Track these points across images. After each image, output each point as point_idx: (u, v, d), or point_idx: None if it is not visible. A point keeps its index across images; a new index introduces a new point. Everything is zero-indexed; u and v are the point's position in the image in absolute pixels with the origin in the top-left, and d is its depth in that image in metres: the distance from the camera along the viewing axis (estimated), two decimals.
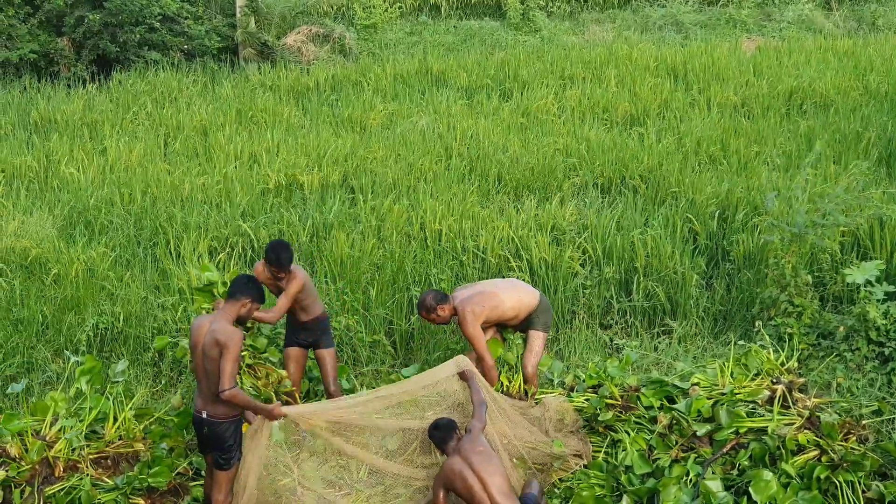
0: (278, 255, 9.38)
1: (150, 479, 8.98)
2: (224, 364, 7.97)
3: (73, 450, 9.09)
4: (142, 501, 9.00)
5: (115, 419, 9.42)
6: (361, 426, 8.91)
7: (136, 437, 9.40)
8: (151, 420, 9.72)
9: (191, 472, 9.42)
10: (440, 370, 9.19)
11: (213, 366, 8.05)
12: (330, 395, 9.82)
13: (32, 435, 9.09)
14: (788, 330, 11.31)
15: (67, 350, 11.56)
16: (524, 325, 10.18)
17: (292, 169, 16.02)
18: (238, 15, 24.34)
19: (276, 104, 20.11)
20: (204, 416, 8.21)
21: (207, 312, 9.32)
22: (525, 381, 10.02)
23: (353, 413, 8.83)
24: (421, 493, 8.89)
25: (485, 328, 9.93)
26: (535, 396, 9.78)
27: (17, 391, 10.28)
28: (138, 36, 22.35)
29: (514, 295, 10.14)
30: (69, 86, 21.74)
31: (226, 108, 19.82)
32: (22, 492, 8.82)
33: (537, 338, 10.16)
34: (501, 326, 10.32)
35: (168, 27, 23.07)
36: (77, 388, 9.71)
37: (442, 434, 8.62)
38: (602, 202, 14.94)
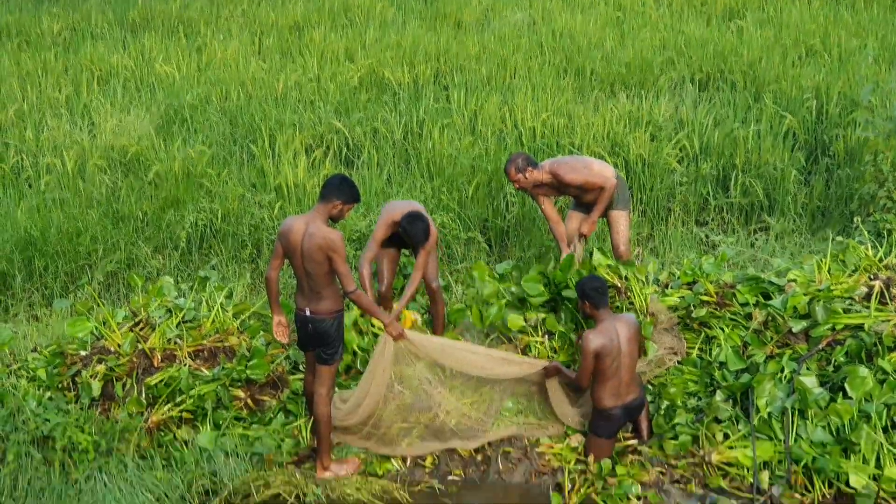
0: (416, 230, 9.35)
1: (248, 372, 9.20)
2: (339, 268, 8.05)
3: (169, 340, 9.32)
4: (241, 393, 9.23)
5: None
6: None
7: (232, 331, 9.62)
8: (248, 315, 9.92)
9: (288, 367, 9.63)
10: (529, 363, 9.17)
11: (314, 268, 8.11)
12: (430, 292, 9.88)
13: (129, 329, 9.37)
14: (887, 226, 11.14)
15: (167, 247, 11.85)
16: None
17: (385, 66, 16.01)
18: None
19: (370, 1, 20.03)
20: (307, 313, 8.30)
21: None
22: (619, 260, 10.09)
23: (461, 364, 8.93)
24: (516, 383, 8.99)
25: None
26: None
27: (63, 307, 10.70)
28: None
29: (599, 163, 10.41)
30: None
31: (319, 4, 19.81)
32: (123, 385, 9.10)
33: (621, 217, 10.26)
34: (580, 206, 10.38)
35: None
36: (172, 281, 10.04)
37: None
38: (699, 97, 14.74)
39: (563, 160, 10.44)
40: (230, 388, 9.20)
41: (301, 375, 9.28)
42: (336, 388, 8.77)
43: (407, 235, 9.44)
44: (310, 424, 8.86)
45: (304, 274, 8.18)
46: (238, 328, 9.75)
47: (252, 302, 10.54)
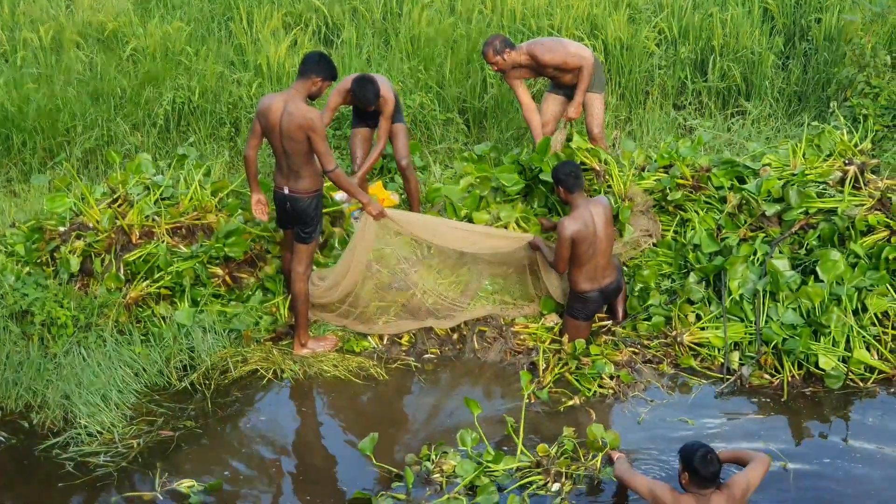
0: (365, 93, 9.40)
1: (226, 249, 9.22)
2: (318, 147, 8.02)
3: (147, 217, 9.33)
4: (219, 270, 9.27)
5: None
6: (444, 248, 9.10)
7: (210, 209, 9.63)
8: (227, 192, 9.91)
9: (267, 245, 9.66)
10: (513, 237, 9.16)
11: (293, 146, 8.07)
12: (402, 170, 9.91)
13: (107, 206, 9.38)
14: (864, 111, 11.17)
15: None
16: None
17: None
18: None
19: None
20: (286, 192, 8.30)
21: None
22: (593, 143, 10.10)
23: (443, 238, 8.95)
24: (493, 265, 9.06)
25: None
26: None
27: (41, 182, 10.75)
28: None
29: (575, 45, 10.34)
30: None
31: None
32: (102, 260, 9.12)
33: (596, 100, 10.24)
34: (557, 88, 10.37)
35: None
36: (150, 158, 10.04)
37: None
38: None
39: (540, 41, 10.41)
40: (208, 266, 9.23)
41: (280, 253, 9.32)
42: (314, 267, 8.83)
43: (358, 100, 9.47)
44: (287, 302, 8.94)
45: (282, 152, 8.16)
46: (216, 206, 9.74)
47: (230, 180, 10.53)
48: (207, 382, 8.34)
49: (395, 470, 7.19)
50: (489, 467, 7.13)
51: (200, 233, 9.49)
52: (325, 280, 8.79)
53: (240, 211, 9.62)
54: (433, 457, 7.25)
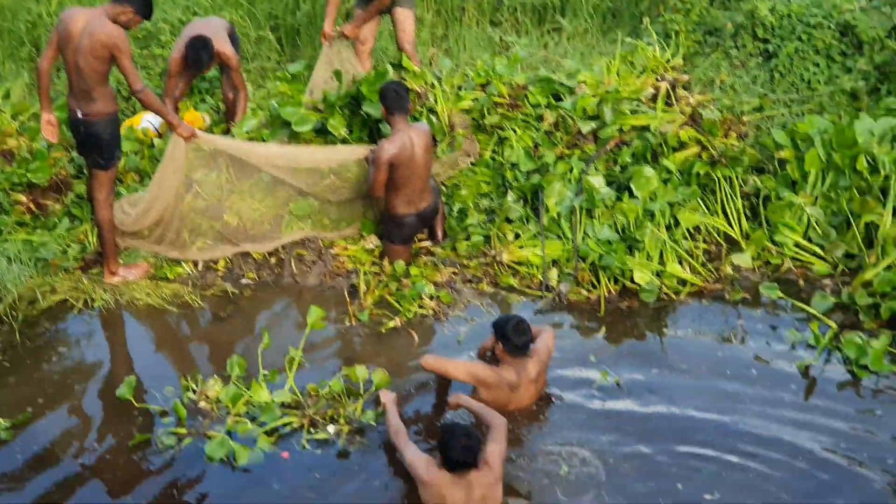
0: (198, 58, 9.43)
1: (29, 175, 8.87)
2: (124, 65, 7.69)
3: None
4: (23, 198, 8.92)
5: None
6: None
7: (10, 133, 9.22)
8: (28, 116, 9.51)
9: (73, 170, 9.34)
10: (347, 150, 8.98)
11: (87, 63, 7.72)
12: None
13: None
14: (676, 27, 11.34)
15: None
16: (390, 5, 10.09)
17: None
18: None
19: None
20: (79, 115, 7.96)
21: None
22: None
23: (260, 157, 8.72)
24: (312, 184, 8.91)
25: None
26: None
27: None
28: None
29: None
30: None
31: None
32: None
33: (407, 16, 10.18)
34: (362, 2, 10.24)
35: None
36: None
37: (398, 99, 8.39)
38: None
39: None
40: (10, 193, 8.86)
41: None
42: (125, 193, 8.57)
43: (193, 66, 9.52)
44: (96, 229, 8.65)
45: (74, 70, 7.81)
46: (17, 130, 9.33)
47: (32, 103, 10.10)
48: (14, 314, 8.03)
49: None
50: (251, 398, 6.96)
51: (1, 158, 9.10)
52: (136, 206, 8.53)
53: (42, 135, 9.26)
54: (192, 386, 7.12)
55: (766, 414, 6.95)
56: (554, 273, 8.51)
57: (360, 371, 7.07)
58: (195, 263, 8.72)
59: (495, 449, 6.11)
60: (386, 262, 8.57)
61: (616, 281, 8.45)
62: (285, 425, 6.80)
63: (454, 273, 8.59)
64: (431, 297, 8.22)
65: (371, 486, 6.40)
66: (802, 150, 8.82)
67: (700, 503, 6.25)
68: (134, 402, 6.94)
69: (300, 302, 8.37)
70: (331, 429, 6.76)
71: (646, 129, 9.14)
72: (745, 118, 9.60)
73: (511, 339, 6.64)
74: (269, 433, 6.71)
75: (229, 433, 6.64)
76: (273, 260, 8.80)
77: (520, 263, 8.65)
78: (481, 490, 5.97)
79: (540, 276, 8.52)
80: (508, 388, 6.75)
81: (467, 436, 5.94)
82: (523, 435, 6.73)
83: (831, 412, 6.99)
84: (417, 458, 6.10)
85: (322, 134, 9.40)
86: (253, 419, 6.82)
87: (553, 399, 7.05)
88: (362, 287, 8.39)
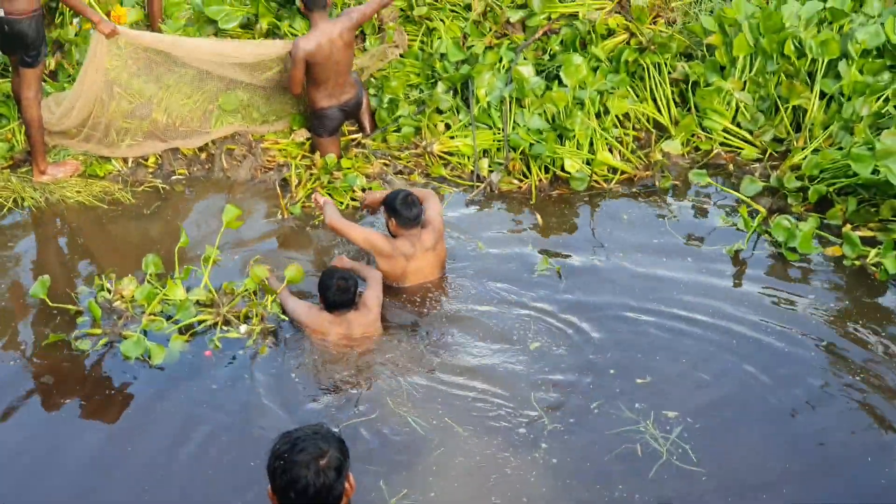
0: None
1: None
2: None
3: None
4: None
5: None
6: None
7: None
8: None
9: None
10: (273, 45, 8.81)
11: None
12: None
13: None
14: None
15: None
16: None
17: None
18: None
19: None
20: (2, 14, 7.82)
21: None
22: None
23: (186, 51, 8.58)
24: (240, 76, 8.81)
25: None
26: None
27: None
28: None
29: None
30: None
31: None
32: None
33: None
34: None
35: None
36: None
37: None
38: None
39: None
40: None
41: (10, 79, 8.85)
42: (52, 90, 8.44)
43: None
44: (23, 128, 8.52)
45: None
46: None
47: None
48: None
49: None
50: (166, 296, 6.89)
51: None
52: (61, 105, 8.41)
53: None
54: (106, 286, 7.02)
55: (700, 297, 7.04)
56: (485, 163, 8.54)
57: (260, 271, 6.98)
58: (125, 160, 8.64)
59: (371, 294, 6.78)
60: (317, 156, 8.54)
61: (547, 170, 8.50)
62: (200, 323, 6.78)
63: (385, 164, 8.58)
64: (363, 189, 8.22)
65: (282, 379, 6.40)
66: (730, 36, 8.85)
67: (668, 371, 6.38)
68: (48, 301, 6.82)
69: (231, 197, 8.34)
70: (242, 328, 6.73)
71: (574, 16, 9.13)
72: (673, 3, 9.59)
73: (401, 212, 6.96)
74: (183, 331, 6.68)
75: (144, 332, 6.59)
76: (203, 155, 8.75)
77: (451, 154, 8.66)
78: (360, 328, 6.62)
79: (471, 167, 8.55)
80: (404, 258, 7.03)
81: (343, 278, 6.58)
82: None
83: (762, 295, 7.13)
84: (297, 306, 6.73)
85: (248, 28, 9.31)
86: (169, 318, 6.79)
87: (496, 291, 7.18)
88: (294, 180, 8.37)
